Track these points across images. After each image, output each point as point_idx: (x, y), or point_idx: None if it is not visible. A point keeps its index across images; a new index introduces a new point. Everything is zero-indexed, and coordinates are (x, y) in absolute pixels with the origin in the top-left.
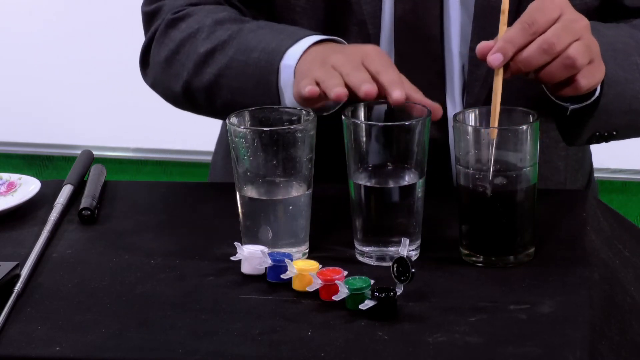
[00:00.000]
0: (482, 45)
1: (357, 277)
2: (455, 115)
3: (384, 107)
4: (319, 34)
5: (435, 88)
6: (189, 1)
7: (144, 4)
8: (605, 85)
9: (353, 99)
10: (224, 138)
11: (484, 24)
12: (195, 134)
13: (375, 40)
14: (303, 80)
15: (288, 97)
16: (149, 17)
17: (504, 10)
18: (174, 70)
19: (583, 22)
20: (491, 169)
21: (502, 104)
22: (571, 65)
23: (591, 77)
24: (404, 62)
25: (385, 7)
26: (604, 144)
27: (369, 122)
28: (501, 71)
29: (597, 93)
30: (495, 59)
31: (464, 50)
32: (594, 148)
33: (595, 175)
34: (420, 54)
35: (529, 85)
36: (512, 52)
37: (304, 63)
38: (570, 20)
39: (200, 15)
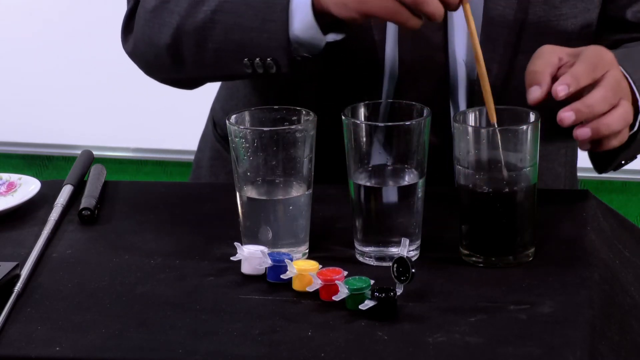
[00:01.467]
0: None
1: (357, 277)
2: (455, 116)
3: (384, 106)
4: None
5: (438, 94)
6: None
7: None
8: None
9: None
10: (209, 138)
11: (491, 34)
12: (195, 134)
13: (381, 47)
14: None
15: (300, 20)
16: None
17: (482, 75)
18: (161, 19)
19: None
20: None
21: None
22: (605, 133)
23: (623, 132)
24: (408, 70)
25: None
26: None
27: (369, 122)
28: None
29: (635, 127)
30: (562, 89)
31: (469, 58)
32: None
33: (596, 175)
34: (424, 62)
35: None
36: (576, 89)
37: None
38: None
39: None
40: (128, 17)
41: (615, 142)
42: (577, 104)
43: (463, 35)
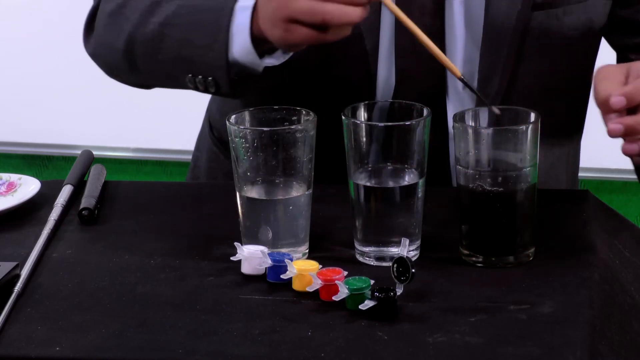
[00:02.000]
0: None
1: (357, 277)
2: (455, 116)
3: (384, 106)
4: None
5: (436, 95)
6: None
7: None
8: None
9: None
10: (206, 140)
11: (493, 41)
12: (195, 134)
13: (374, 55)
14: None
15: (239, 44)
16: None
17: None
18: (117, 25)
19: None
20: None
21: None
22: None
23: None
24: (404, 78)
25: (384, 20)
26: (604, 143)
27: (369, 122)
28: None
29: None
30: (617, 101)
31: (467, 70)
32: (594, 148)
33: (596, 175)
34: (421, 70)
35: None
36: (630, 105)
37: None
38: None
39: None
40: (90, 18)
41: None
42: (628, 119)
43: (461, 43)
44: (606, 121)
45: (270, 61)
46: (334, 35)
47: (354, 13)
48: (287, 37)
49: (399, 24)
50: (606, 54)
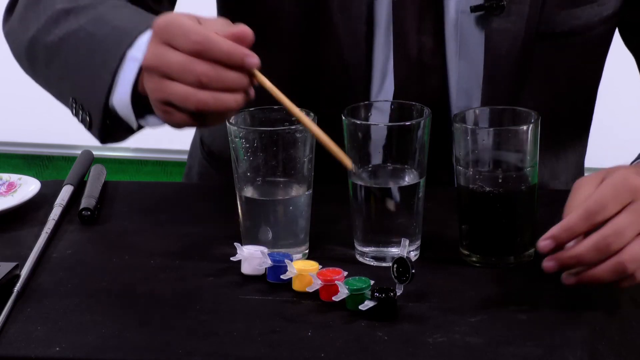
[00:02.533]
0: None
1: (357, 277)
2: (455, 116)
3: (384, 106)
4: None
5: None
6: None
7: None
8: None
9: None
10: (197, 152)
11: (494, 75)
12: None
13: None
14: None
15: (119, 95)
16: None
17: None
18: (27, 21)
19: None
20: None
21: None
22: (622, 271)
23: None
24: (404, 88)
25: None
26: (603, 144)
27: (369, 122)
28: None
29: None
30: (545, 245)
31: (463, 103)
32: (594, 148)
33: None
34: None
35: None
36: (567, 240)
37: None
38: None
39: None
40: (11, 3)
41: (628, 283)
42: (555, 229)
43: (459, 76)
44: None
45: (148, 123)
46: (212, 121)
47: (231, 100)
48: (166, 118)
49: (398, 41)
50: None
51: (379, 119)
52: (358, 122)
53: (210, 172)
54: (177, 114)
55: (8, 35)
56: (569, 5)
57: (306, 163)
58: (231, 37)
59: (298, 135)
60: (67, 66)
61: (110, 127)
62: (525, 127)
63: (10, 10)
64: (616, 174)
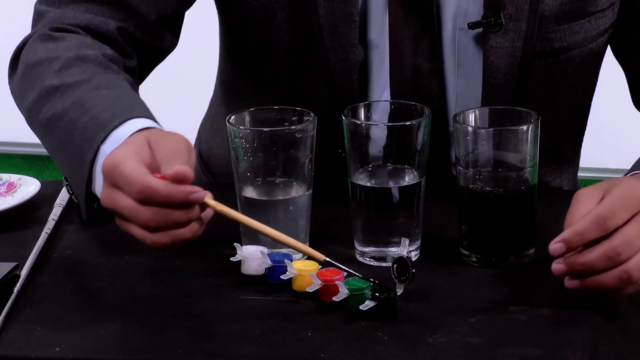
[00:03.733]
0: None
1: (357, 277)
2: (455, 116)
3: (384, 107)
4: (150, 116)
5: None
6: (75, 22)
7: (38, 1)
8: None
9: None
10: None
11: (493, 101)
12: (194, 135)
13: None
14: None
15: (99, 185)
16: (35, 16)
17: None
18: (25, 89)
19: None
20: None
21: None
22: (627, 279)
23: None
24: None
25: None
26: (603, 143)
27: (369, 122)
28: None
29: None
30: (556, 249)
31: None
32: (594, 147)
33: (595, 175)
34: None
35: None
36: (578, 245)
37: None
38: None
39: (70, 42)
40: (15, 54)
41: (631, 290)
42: (567, 233)
43: (457, 98)
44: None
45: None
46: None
47: (186, 233)
48: (122, 225)
49: (394, 64)
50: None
51: (379, 119)
52: (358, 122)
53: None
54: (129, 225)
55: (13, 94)
56: (566, 20)
57: (306, 163)
58: (172, 178)
59: (298, 135)
60: (55, 147)
61: (98, 210)
62: (525, 127)
63: (13, 66)
64: (622, 184)
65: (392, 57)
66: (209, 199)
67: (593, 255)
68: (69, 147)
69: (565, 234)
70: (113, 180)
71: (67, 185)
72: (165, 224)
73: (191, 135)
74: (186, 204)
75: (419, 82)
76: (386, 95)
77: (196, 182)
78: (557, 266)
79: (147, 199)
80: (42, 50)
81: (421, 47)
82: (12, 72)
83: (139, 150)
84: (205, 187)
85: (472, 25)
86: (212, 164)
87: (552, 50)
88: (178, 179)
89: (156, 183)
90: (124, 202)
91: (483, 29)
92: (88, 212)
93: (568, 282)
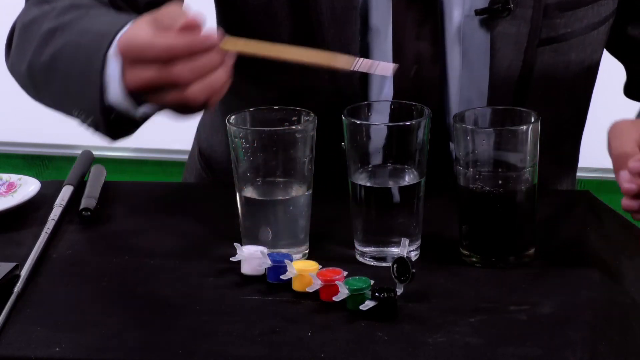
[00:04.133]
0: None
1: (357, 277)
2: (455, 116)
3: (384, 107)
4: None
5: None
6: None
7: None
8: None
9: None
10: (194, 164)
11: (498, 89)
12: (194, 132)
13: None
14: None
15: (113, 92)
16: None
17: None
18: (22, 48)
19: None
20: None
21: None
22: None
23: None
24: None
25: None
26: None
27: (369, 122)
28: None
29: None
30: (630, 188)
31: (464, 109)
32: (594, 148)
33: (596, 175)
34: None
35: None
36: None
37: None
38: None
39: (64, 1)
40: (10, 33)
41: None
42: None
43: (459, 86)
44: (618, 177)
45: (143, 110)
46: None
47: (217, 79)
48: (154, 100)
49: (397, 49)
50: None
51: (379, 119)
52: (358, 122)
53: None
54: (160, 97)
55: (12, 69)
56: (570, 7)
57: (306, 163)
58: (185, 27)
59: (298, 135)
60: (63, 80)
61: (116, 124)
62: (525, 127)
63: (8, 45)
64: None
65: (395, 41)
66: (226, 41)
67: None
68: (77, 69)
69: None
70: (132, 55)
71: (81, 117)
72: (195, 73)
73: (190, 133)
74: (206, 50)
75: (422, 68)
76: (388, 82)
77: (197, 179)
78: (629, 186)
79: (170, 56)
80: (36, 11)
81: (424, 31)
82: (8, 51)
83: (147, 22)
84: (206, 186)
85: (479, 12)
86: (213, 161)
87: (556, 36)
88: (190, 27)
89: (174, 38)
90: (150, 71)
91: (490, 15)
92: (107, 126)
93: (626, 203)
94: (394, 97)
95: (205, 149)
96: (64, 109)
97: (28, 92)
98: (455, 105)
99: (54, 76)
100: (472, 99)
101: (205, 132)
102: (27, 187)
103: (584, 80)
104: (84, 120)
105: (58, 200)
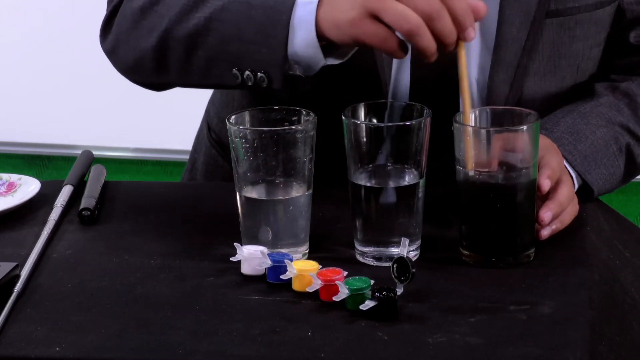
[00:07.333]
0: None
1: (357, 277)
2: (455, 116)
3: (384, 107)
4: None
5: (449, 108)
6: None
7: None
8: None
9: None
10: (204, 142)
11: (502, 57)
12: (195, 134)
13: (382, 68)
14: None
15: (301, 37)
16: None
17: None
18: (149, 22)
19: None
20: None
21: None
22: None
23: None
24: (419, 85)
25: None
26: None
27: (369, 122)
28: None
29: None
30: (548, 216)
31: (481, 78)
32: None
33: None
34: (436, 79)
35: None
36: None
37: None
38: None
39: None
40: (110, 15)
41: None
42: (552, 204)
43: (477, 56)
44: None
45: (331, 60)
46: (400, 54)
47: (432, 47)
48: (357, 34)
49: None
50: None
51: (379, 119)
52: (358, 122)
53: (218, 162)
54: (375, 28)
55: (114, 51)
56: None
57: (306, 163)
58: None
59: (298, 135)
60: (221, 42)
61: (293, 78)
62: (525, 127)
63: (107, 27)
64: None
65: None
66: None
67: (562, 194)
68: (247, 27)
69: (550, 205)
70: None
71: (240, 78)
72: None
73: (190, 133)
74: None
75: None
76: (406, 60)
77: (204, 159)
78: (545, 215)
79: None
80: None
81: None
82: (106, 33)
83: None
84: (206, 186)
85: None
86: (223, 136)
87: (563, 9)
88: (475, 10)
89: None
90: (397, 6)
91: None
92: (283, 78)
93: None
94: (413, 75)
95: (217, 124)
96: (209, 75)
97: (134, 73)
98: (469, 66)
99: (208, 38)
100: (483, 57)
101: (215, 107)
102: (27, 187)
103: (587, 60)
104: (245, 80)
105: (58, 200)
